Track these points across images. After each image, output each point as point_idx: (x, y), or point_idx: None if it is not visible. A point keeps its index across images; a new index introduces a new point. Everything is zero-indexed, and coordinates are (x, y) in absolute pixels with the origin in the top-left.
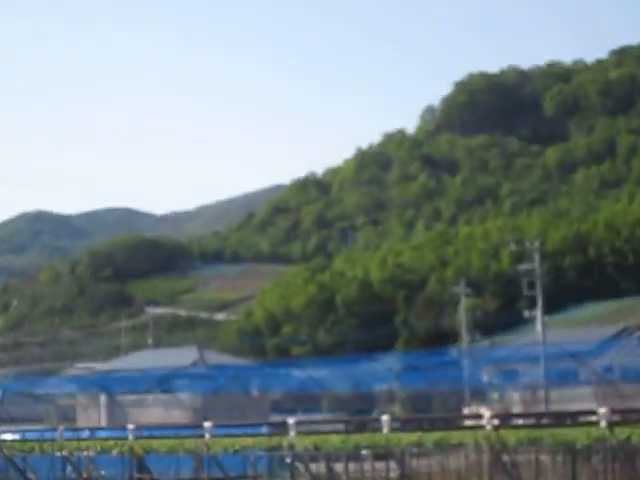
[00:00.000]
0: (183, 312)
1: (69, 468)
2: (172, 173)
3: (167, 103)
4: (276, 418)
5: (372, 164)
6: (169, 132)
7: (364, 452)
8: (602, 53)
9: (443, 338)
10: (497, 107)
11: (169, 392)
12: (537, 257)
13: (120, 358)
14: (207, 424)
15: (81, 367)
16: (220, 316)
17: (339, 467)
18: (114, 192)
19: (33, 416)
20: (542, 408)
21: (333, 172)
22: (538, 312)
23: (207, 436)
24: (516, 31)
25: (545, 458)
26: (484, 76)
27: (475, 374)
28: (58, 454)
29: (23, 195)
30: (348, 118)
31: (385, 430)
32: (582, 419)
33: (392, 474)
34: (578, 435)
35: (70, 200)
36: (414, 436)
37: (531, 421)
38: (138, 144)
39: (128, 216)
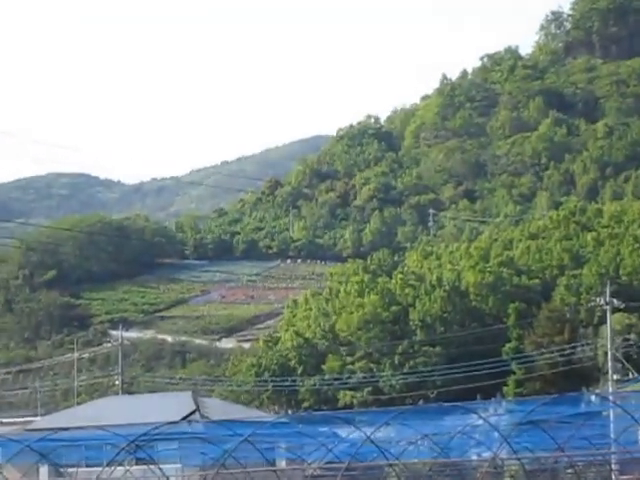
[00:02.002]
0: (169, 337)
1: None
2: (153, 123)
3: (151, 24)
4: None
5: (466, 103)
6: (146, 65)
7: None
8: None
9: (578, 377)
10: None
11: (148, 462)
12: None
13: (71, 409)
14: None
15: (9, 422)
16: (227, 343)
17: None
18: (63, 152)
19: None
20: None
21: (404, 116)
22: None
23: None
24: None
25: None
26: None
27: (628, 433)
28: None
29: None
30: (425, 37)
31: None
32: None
33: None
34: None
35: None
36: None
37: None
38: (99, 84)
39: (84, 186)
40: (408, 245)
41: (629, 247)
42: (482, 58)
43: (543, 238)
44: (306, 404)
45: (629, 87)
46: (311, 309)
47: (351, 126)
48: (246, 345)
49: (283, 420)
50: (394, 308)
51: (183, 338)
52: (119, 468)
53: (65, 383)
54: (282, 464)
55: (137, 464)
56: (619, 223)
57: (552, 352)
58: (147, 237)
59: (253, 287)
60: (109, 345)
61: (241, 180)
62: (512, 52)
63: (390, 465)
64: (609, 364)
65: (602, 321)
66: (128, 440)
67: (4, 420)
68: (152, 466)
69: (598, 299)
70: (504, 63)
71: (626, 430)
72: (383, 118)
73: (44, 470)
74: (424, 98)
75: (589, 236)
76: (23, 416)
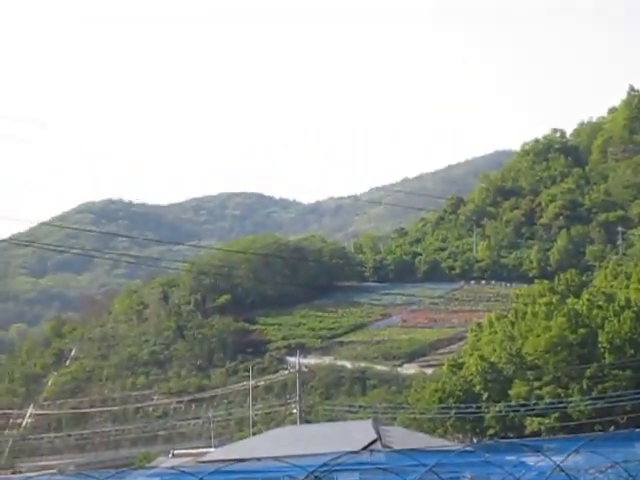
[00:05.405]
0: (348, 363)
1: None
2: (332, 141)
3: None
4: None
5: None
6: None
7: None
8: None
9: None
10: None
11: None
12: None
13: (246, 440)
14: None
15: (182, 454)
16: (409, 369)
17: None
18: (233, 171)
19: None
20: None
21: (591, 130)
22: None
23: None
24: None
25: None
26: None
27: None
28: None
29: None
30: (613, 44)
31: None
32: None
33: None
34: None
35: (160, 183)
36: None
37: None
38: (273, 100)
39: (258, 206)
40: (597, 264)
41: None
42: None
43: None
44: (491, 431)
45: None
46: (496, 332)
47: (536, 141)
48: (428, 371)
49: (469, 449)
50: (582, 330)
51: (363, 364)
52: None
53: (240, 412)
54: None
55: None
56: None
57: None
58: (325, 259)
59: (436, 310)
60: (286, 372)
61: (422, 198)
62: None
63: None
64: None
65: None
66: (307, 471)
67: (176, 452)
68: None
69: None
70: None
71: None
72: (569, 132)
73: None
74: (611, 110)
75: None
76: (196, 447)
